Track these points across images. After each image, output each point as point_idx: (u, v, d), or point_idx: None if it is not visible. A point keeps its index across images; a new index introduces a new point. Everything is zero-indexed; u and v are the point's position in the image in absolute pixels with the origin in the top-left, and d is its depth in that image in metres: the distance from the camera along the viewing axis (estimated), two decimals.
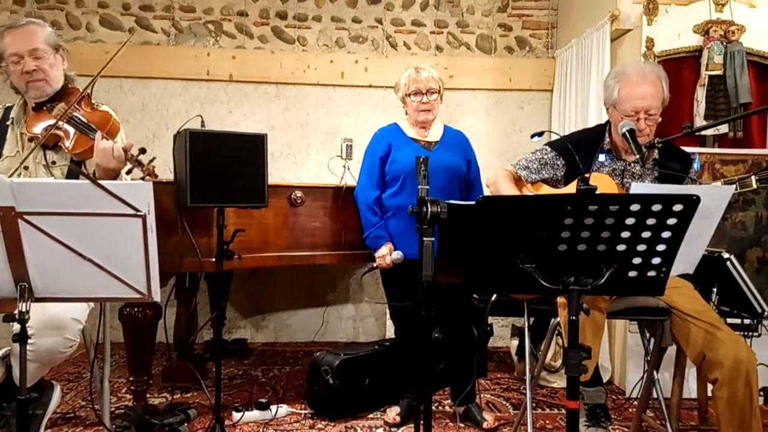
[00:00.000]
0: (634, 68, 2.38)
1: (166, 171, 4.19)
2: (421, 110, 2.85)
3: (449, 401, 3.11)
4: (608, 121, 2.45)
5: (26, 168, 2.26)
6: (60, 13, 4.35)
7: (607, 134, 2.43)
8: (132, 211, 1.48)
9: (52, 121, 2.24)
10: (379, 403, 3.02)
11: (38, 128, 2.27)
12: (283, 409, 2.96)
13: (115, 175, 2.18)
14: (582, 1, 4.17)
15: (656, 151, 2.32)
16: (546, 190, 2.50)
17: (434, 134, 2.95)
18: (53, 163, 2.30)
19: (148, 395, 2.72)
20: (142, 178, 2.23)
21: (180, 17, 4.45)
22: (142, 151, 2.18)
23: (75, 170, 2.25)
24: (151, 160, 2.21)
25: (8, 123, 2.34)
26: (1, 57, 2.30)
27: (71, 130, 2.24)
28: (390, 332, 4.45)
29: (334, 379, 2.87)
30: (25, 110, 2.36)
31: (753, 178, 2.20)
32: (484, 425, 2.82)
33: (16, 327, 1.55)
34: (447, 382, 3.35)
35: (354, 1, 4.54)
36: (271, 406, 2.92)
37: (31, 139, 2.29)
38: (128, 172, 2.23)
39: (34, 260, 1.52)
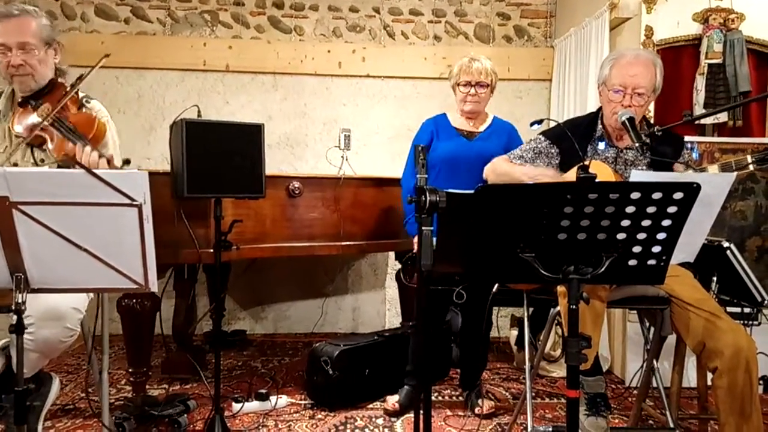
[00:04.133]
0: (630, 51, 2.39)
1: (163, 162, 4.20)
2: (467, 101, 2.91)
3: (448, 391, 3.10)
4: (599, 109, 2.44)
5: (15, 165, 2.23)
6: (54, 3, 4.31)
7: (599, 121, 2.42)
8: (127, 201, 1.47)
9: (36, 121, 2.19)
10: (379, 394, 3.02)
11: (21, 127, 2.21)
12: (283, 399, 2.96)
13: None
14: None
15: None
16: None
17: (480, 125, 3.00)
18: (42, 161, 2.26)
19: (147, 386, 2.73)
20: None
21: (176, 7, 4.41)
22: (126, 162, 2.11)
23: (66, 163, 2.18)
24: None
25: None
26: None
27: (56, 133, 2.19)
28: (389, 323, 4.46)
29: (333, 369, 2.86)
30: (13, 101, 2.32)
31: (748, 157, 2.18)
32: (476, 410, 2.84)
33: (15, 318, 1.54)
34: (447, 372, 3.36)
35: None
36: (271, 397, 2.92)
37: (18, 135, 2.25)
38: None
39: (30, 250, 1.50)
